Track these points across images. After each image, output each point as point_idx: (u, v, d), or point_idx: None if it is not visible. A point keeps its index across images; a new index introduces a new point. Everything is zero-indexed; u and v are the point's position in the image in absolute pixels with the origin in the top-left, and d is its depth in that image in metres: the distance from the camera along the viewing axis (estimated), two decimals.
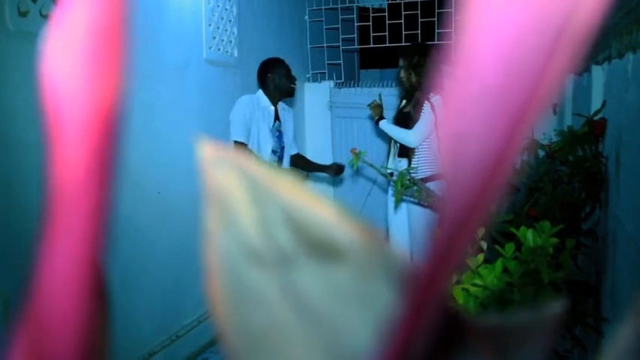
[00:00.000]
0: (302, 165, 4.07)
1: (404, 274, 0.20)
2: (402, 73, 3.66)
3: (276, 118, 3.72)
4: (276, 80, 3.64)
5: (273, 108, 3.68)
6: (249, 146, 3.58)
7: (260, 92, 3.69)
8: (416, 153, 3.60)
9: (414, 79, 3.60)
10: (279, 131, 3.74)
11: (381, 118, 3.77)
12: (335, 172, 4.08)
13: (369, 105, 3.90)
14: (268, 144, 3.64)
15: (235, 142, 3.53)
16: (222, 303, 0.22)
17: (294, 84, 3.75)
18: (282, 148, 3.78)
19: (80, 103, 0.18)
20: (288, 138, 3.81)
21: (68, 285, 0.18)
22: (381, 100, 3.89)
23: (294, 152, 3.96)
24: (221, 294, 0.22)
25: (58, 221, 0.18)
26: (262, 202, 0.22)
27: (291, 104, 4.04)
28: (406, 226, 3.70)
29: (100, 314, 0.19)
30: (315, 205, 0.21)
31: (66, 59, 0.19)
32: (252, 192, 0.22)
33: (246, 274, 0.22)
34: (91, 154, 0.19)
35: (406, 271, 0.20)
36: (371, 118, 3.92)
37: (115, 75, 0.19)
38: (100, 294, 0.19)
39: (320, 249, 0.21)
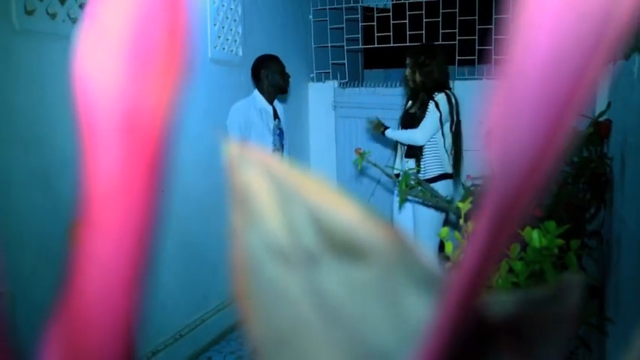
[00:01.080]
0: None
1: (430, 274, 0.21)
2: (407, 72, 3.67)
3: (276, 116, 3.71)
4: (269, 77, 3.63)
5: (270, 107, 3.67)
6: None
7: (256, 92, 3.68)
8: (423, 154, 3.59)
9: (418, 78, 3.60)
10: (280, 129, 3.73)
11: (385, 128, 3.78)
12: None
13: (369, 125, 3.91)
14: (269, 144, 3.63)
15: None
16: (248, 301, 0.22)
17: (287, 81, 3.74)
18: (283, 145, 3.77)
19: (115, 107, 0.18)
20: (287, 135, 3.81)
21: (106, 288, 0.19)
22: (377, 119, 3.89)
23: None
24: (247, 292, 0.22)
25: (91, 226, 0.19)
26: (288, 201, 0.22)
27: (294, 104, 4.04)
28: (412, 226, 3.70)
29: (134, 316, 0.20)
30: (340, 205, 0.21)
31: (100, 60, 0.19)
32: (277, 192, 0.22)
33: (271, 272, 0.22)
34: (128, 159, 0.19)
35: (433, 271, 0.20)
36: (375, 132, 3.90)
37: (156, 78, 0.19)
38: (135, 296, 0.19)
39: (344, 249, 0.21)
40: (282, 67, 3.71)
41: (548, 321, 0.22)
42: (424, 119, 3.55)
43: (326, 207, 0.22)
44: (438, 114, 3.54)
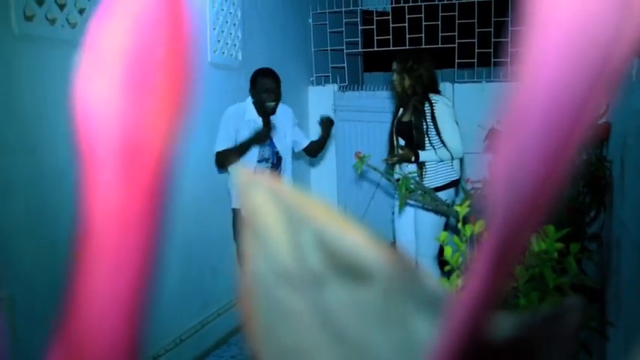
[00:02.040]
0: (317, 149, 3.99)
1: (433, 296, 0.21)
2: (395, 77, 3.59)
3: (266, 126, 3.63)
4: (256, 96, 3.56)
5: (260, 119, 3.58)
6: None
7: (248, 100, 3.62)
8: (427, 163, 3.53)
9: (407, 83, 3.55)
10: (271, 138, 3.64)
11: (417, 156, 3.54)
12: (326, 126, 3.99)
13: (395, 160, 3.64)
14: (253, 154, 3.56)
15: (217, 152, 3.51)
16: (255, 322, 0.22)
17: (273, 101, 3.56)
18: (277, 153, 3.69)
19: (115, 131, 0.18)
20: (283, 141, 3.71)
21: (107, 311, 0.19)
22: (398, 153, 3.66)
23: (305, 145, 3.89)
24: (254, 313, 0.22)
25: (91, 251, 0.19)
26: (295, 225, 0.22)
27: (294, 107, 4.03)
28: (412, 231, 3.67)
29: (135, 338, 0.20)
30: (346, 228, 0.22)
31: (100, 84, 0.19)
32: (285, 215, 0.23)
33: (278, 294, 0.22)
34: (127, 184, 0.19)
35: (437, 293, 0.21)
36: (409, 161, 3.59)
37: (157, 102, 0.19)
38: (136, 318, 0.20)
39: (350, 271, 0.22)
40: (272, 85, 3.54)
41: (548, 342, 0.23)
42: (449, 131, 3.46)
43: (331, 230, 0.22)
44: (452, 121, 3.49)
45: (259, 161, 3.60)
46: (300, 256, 0.22)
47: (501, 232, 0.17)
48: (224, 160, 3.47)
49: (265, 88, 3.54)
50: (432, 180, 3.49)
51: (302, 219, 0.22)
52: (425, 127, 3.50)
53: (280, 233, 0.22)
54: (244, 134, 3.53)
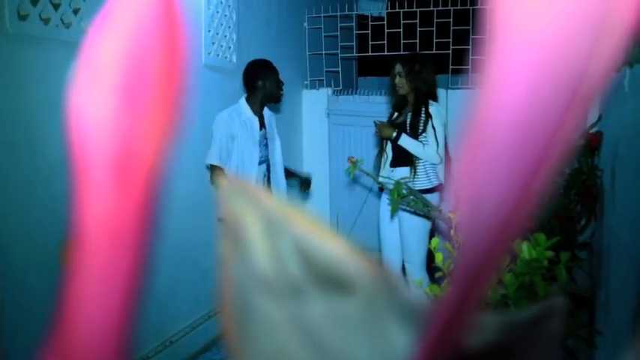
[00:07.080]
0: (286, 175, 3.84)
1: (413, 307, 0.21)
2: (398, 80, 3.61)
3: (262, 126, 3.57)
4: (266, 86, 3.48)
5: (256, 117, 3.51)
6: (227, 165, 3.42)
7: (242, 101, 3.53)
8: (418, 163, 3.56)
9: (411, 86, 3.57)
10: (266, 139, 3.59)
11: (397, 134, 3.55)
12: (305, 186, 3.91)
13: (376, 127, 3.63)
14: (254, 155, 3.49)
15: (212, 165, 3.43)
16: (234, 330, 0.22)
17: (282, 89, 3.57)
18: (269, 157, 3.64)
19: (109, 143, 0.18)
20: (275, 145, 3.66)
21: (97, 315, 0.19)
22: (381, 122, 3.67)
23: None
24: (232, 321, 0.22)
25: (82, 263, 0.19)
26: (275, 234, 0.22)
27: (288, 111, 4.02)
28: (398, 236, 3.67)
29: (127, 339, 0.20)
30: (327, 238, 0.22)
31: (96, 93, 0.19)
32: (265, 224, 0.22)
33: (257, 303, 0.22)
34: (120, 195, 0.19)
35: (416, 306, 0.21)
36: (388, 138, 3.61)
37: (151, 115, 0.19)
38: (127, 328, 0.20)
39: (330, 281, 0.22)
40: (277, 73, 3.55)
41: (530, 348, 0.23)
42: (435, 136, 3.51)
43: (312, 239, 0.22)
44: (441, 127, 3.52)
45: (260, 163, 3.55)
46: (280, 265, 0.22)
47: (471, 248, 0.17)
48: (216, 177, 3.40)
49: (276, 76, 3.51)
50: (421, 182, 3.52)
51: (283, 228, 0.22)
52: (420, 127, 3.52)
53: (260, 241, 0.22)
54: (241, 136, 3.44)
